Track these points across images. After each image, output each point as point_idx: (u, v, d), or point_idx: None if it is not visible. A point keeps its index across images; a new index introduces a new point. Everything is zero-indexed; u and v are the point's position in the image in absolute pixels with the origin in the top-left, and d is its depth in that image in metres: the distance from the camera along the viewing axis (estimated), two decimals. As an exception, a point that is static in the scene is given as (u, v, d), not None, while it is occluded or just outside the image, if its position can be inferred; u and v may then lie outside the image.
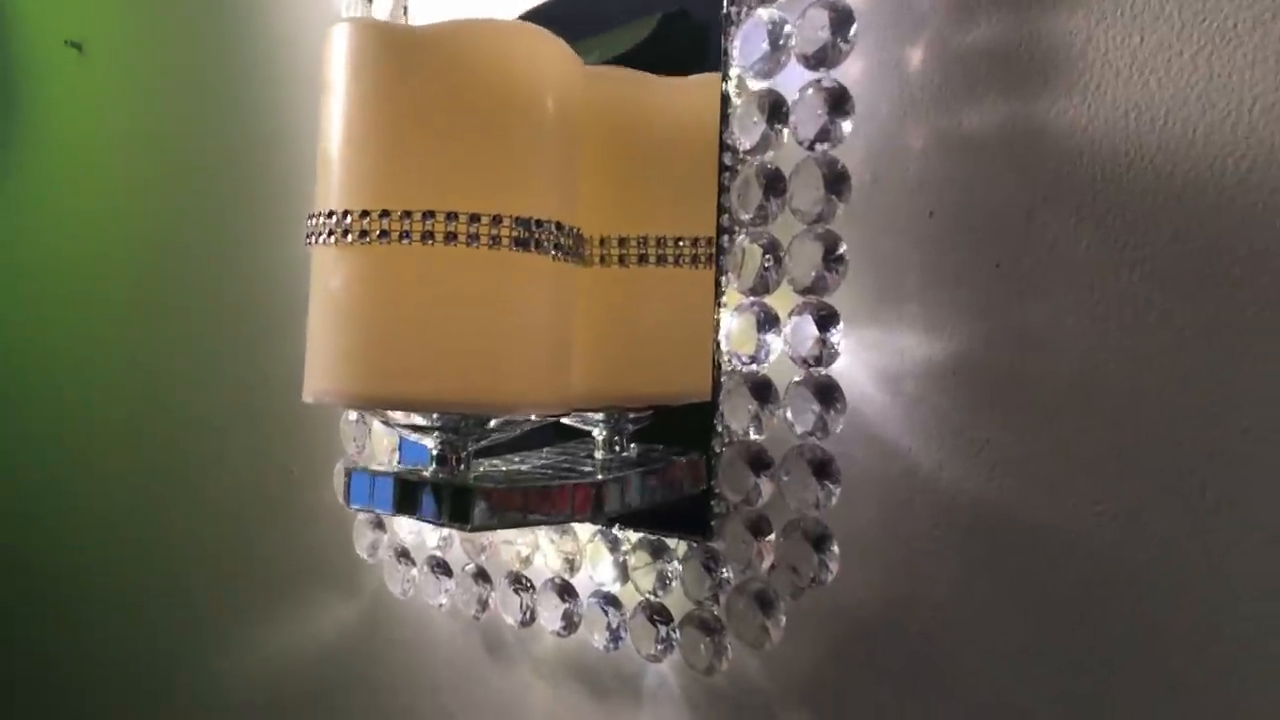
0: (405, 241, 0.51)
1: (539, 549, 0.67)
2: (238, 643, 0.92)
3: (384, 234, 0.52)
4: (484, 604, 0.70)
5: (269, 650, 0.89)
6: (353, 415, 0.78)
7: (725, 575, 0.58)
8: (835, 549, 0.55)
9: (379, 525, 0.76)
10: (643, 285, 0.61)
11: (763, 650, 0.59)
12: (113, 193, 1.04)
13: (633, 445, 0.68)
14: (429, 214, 0.51)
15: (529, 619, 0.67)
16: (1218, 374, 0.47)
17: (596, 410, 0.64)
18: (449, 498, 0.55)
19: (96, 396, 1.06)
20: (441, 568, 0.72)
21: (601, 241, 0.61)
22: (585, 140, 0.57)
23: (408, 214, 0.51)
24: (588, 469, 0.63)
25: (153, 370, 1.00)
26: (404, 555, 0.74)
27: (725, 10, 0.58)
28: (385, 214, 0.51)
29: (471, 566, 0.70)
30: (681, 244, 0.62)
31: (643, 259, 0.61)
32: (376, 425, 0.76)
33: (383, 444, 0.75)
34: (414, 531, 0.74)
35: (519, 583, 0.67)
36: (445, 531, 0.72)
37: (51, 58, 1.06)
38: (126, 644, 1.04)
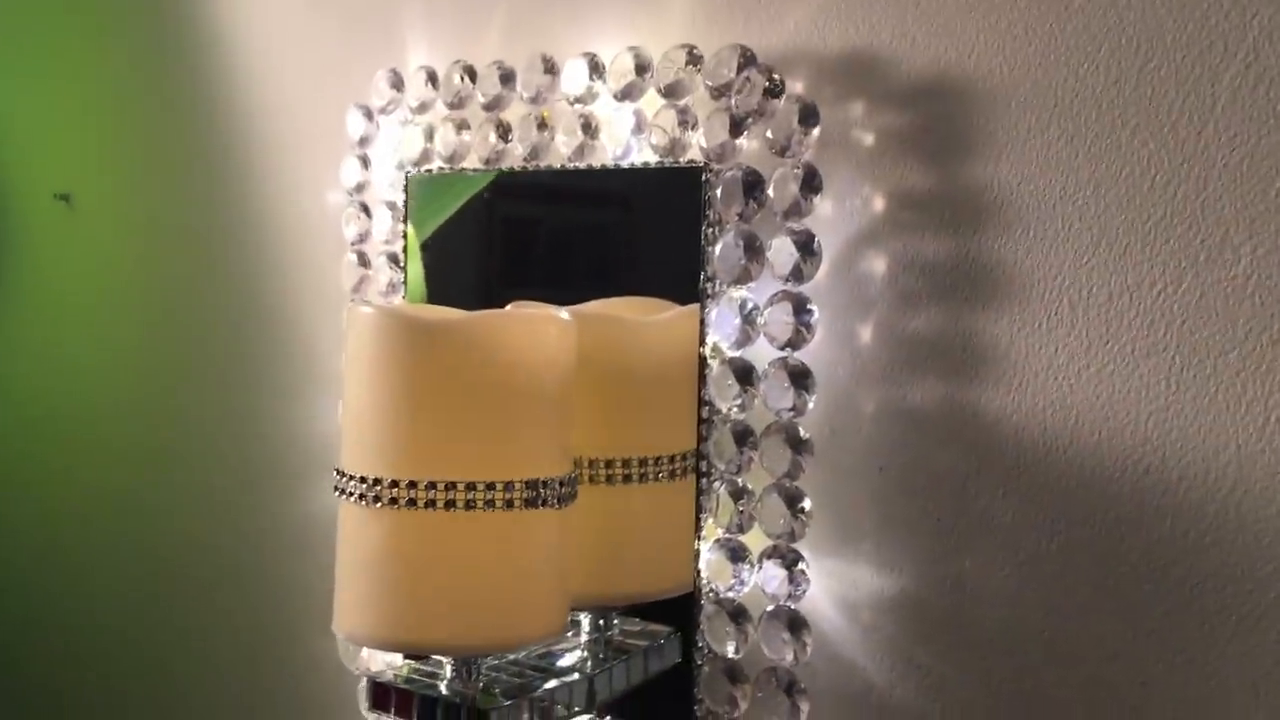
0: (430, 509, 0.59)
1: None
2: None
3: (411, 501, 0.59)
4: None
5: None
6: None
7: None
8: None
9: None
10: (627, 500, 0.69)
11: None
12: (102, 342, 1.10)
13: (615, 622, 0.76)
14: (451, 484, 0.59)
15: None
16: (1119, 637, 0.57)
17: (585, 610, 0.72)
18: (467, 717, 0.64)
19: (95, 543, 1.11)
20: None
21: (590, 464, 0.69)
22: (577, 379, 0.65)
23: (433, 484, 0.59)
24: (575, 658, 0.71)
25: (152, 517, 1.06)
26: None
27: (701, 285, 0.66)
28: (412, 484, 0.59)
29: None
30: (661, 461, 0.70)
31: (627, 478, 0.69)
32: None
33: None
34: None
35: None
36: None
37: (39, 210, 1.11)
38: None
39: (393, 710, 0.67)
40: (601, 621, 0.74)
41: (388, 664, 0.84)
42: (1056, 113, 0.57)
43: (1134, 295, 0.56)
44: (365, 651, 0.85)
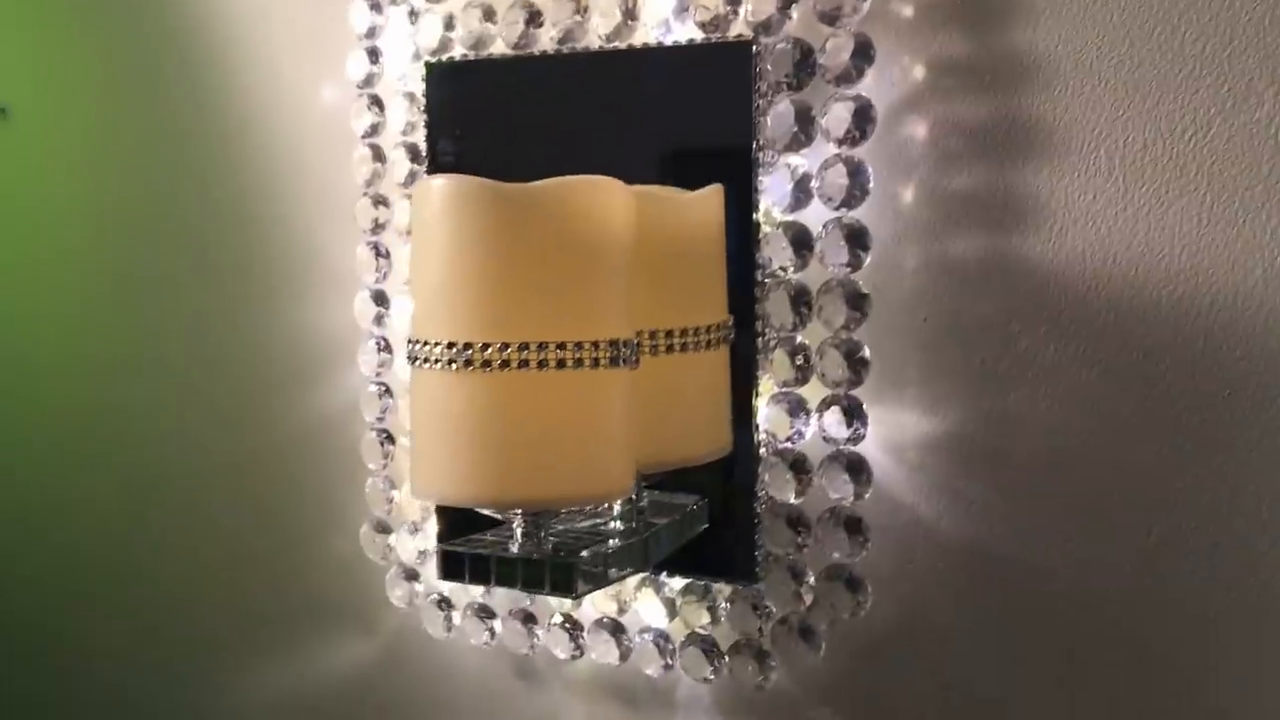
0: (522, 369, 0.61)
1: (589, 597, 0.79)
2: (251, 678, 0.98)
3: (504, 363, 0.61)
4: (533, 645, 0.81)
5: (285, 685, 0.96)
6: (377, 481, 0.86)
7: (770, 611, 0.72)
8: (870, 591, 0.70)
9: (412, 576, 0.85)
10: (669, 369, 0.73)
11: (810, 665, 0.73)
12: (42, 261, 1.06)
13: (645, 494, 0.79)
14: (542, 345, 0.61)
15: (579, 654, 0.79)
16: (1154, 449, 0.64)
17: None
18: (551, 573, 0.66)
19: (79, 465, 1.07)
20: (485, 611, 0.82)
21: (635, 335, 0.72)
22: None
23: (525, 345, 0.61)
24: (617, 524, 0.74)
25: (138, 434, 1.03)
26: (444, 602, 0.84)
27: (754, 154, 0.70)
28: (504, 346, 0.61)
29: (520, 611, 0.81)
30: (699, 332, 0.74)
31: (669, 349, 0.73)
32: (406, 490, 0.84)
33: (414, 506, 0.84)
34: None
35: (570, 624, 0.79)
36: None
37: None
38: (128, 674, 1.08)
39: (467, 576, 0.69)
40: (634, 494, 0.78)
41: (417, 550, 0.86)
42: (1092, -22, 0.63)
43: (1166, 142, 0.63)
44: (393, 538, 0.86)
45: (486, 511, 0.67)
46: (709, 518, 0.77)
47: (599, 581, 0.68)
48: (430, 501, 0.65)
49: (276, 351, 0.94)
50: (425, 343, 0.63)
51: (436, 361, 0.63)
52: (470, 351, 0.61)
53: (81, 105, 1.02)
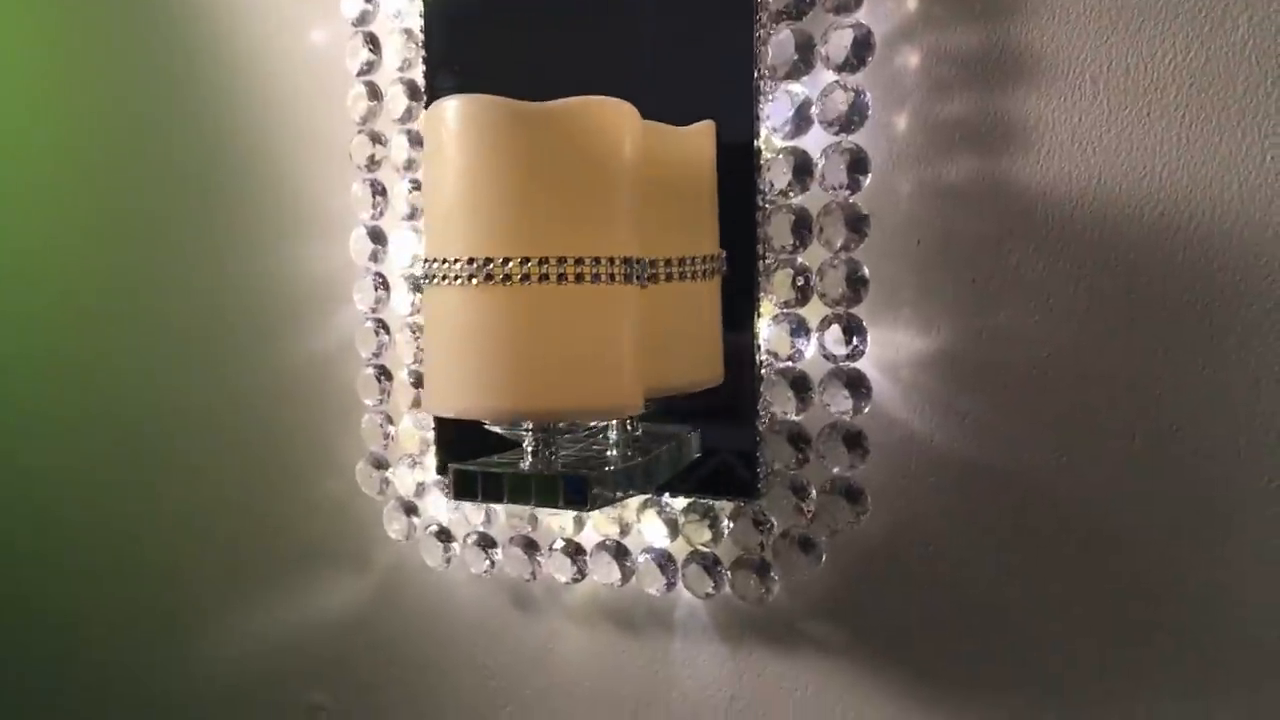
0: (543, 282, 0.63)
1: (588, 519, 0.81)
2: (251, 620, 0.98)
3: (525, 277, 0.63)
4: (535, 572, 0.82)
5: (285, 624, 0.96)
6: (373, 416, 0.87)
7: (772, 526, 0.75)
8: (868, 502, 0.73)
9: (411, 510, 0.86)
10: (664, 297, 0.75)
11: (808, 577, 0.76)
12: (23, 204, 1.04)
13: (639, 425, 0.82)
14: (562, 259, 0.63)
15: (580, 577, 0.81)
16: (1139, 358, 0.68)
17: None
18: (565, 487, 0.68)
19: (59, 412, 1.06)
20: (485, 540, 0.84)
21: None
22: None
23: (545, 259, 0.63)
24: (613, 453, 0.76)
25: (118, 381, 1.03)
26: (443, 533, 0.85)
27: (755, 81, 0.72)
28: (525, 260, 0.63)
29: (520, 538, 0.83)
30: (693, 262, 0.76)
31: (667, 277, 0.75)
32: (405, 424, 0.86)
33: (413, 439, 0.85)
34: (453, 510, 0.85)
35: (572, 548, 0.81)
36: (484, 511, 0.84)
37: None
38: (120, 631, 1.06)
39: (480, 494, 0.70)
40: (628, 425, 0.80)
41: (415, 482, 0.87)
42: (1078, -89, 0.67)
43: (1148, 66, 0.66)
44: (390, 472, 0.88)
45: (496, 429, 0.69)
46: (702, 446, 0.80)
47: (608, 496, 0.70)
48: (448, 415, 0.66)
49: (264, 294, 0.95)
50: (444, 260, 0.65)
51: (457, 278, 0.64)
52: (491, 266, 0.63)
53: (65, 44, 1.01)
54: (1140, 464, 0.69)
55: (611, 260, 0.65)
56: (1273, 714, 0.68)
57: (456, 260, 0.64)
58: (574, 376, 0.66)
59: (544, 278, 0.63)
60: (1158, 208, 0.67)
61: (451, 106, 0.65)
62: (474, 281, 0.63)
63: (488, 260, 0.63)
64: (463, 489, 0.71)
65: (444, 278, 0.65)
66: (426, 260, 0.66)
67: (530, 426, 0.69)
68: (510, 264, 0.63)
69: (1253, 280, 0.66)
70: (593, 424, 0.73)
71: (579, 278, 0.64)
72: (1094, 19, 0.67)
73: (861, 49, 0.69)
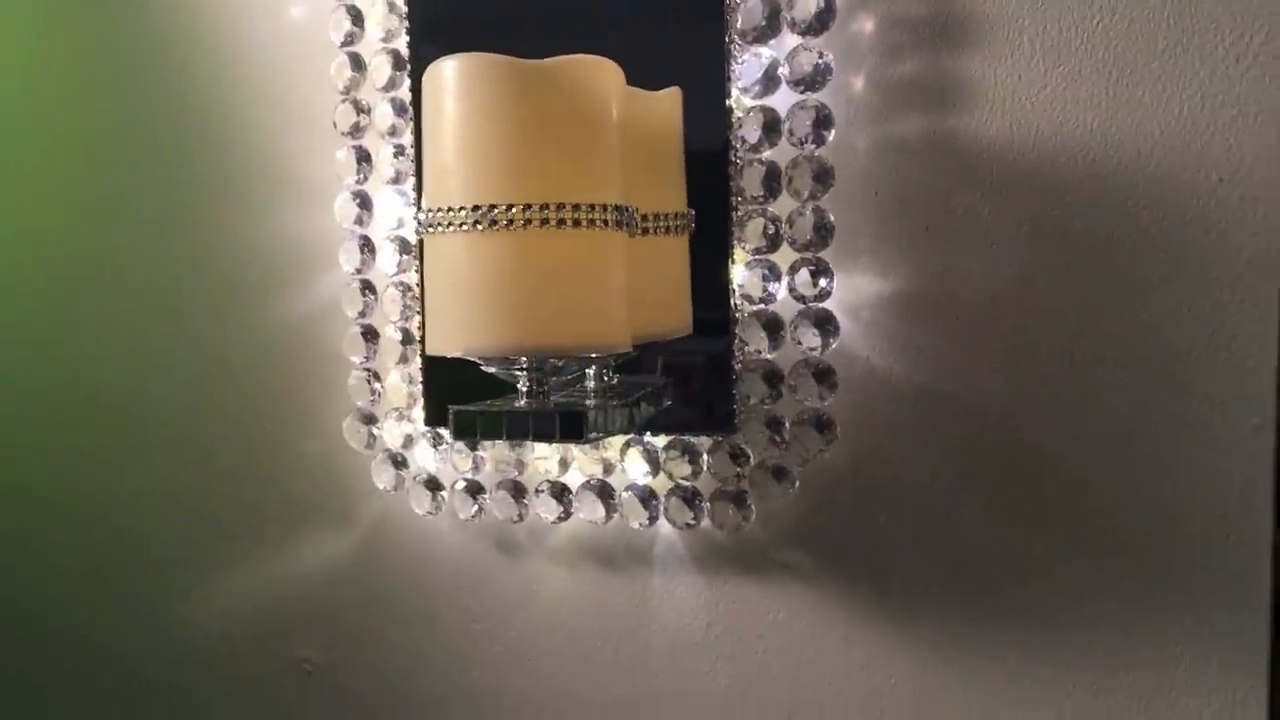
0: (543, 226, 0.68)
1: (572, 461, 0.86)
2: (237, 578, 1.00)
3: (527, 222, 0.68)
4: (522, 514, 0.87)
5: (272, 581, 0.99)
6: (360, 373, 0.91)
7: (748, 457, 0.81)
8: (837, 431, 0.79)
9: (400, 463, 0.90)
10: (641, 251, 0.81)
11: (779, 507, 0.82)
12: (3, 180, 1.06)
13: (615, 375, 0.87)
14: (560, 205, 0.68)
15: (566, 516, 0.86)
16: (1077, 291, 0.76)
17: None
18: (561, 421, 0.73)
19: (39, 387, 1.07)
20: (474, 487, 0.88)
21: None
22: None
23: (545, 205, 0.68)
24: (592, 400, 0.82)
25: (88, 346, 1.04)
26: (431, 482, 0.90)
27: (726, 45, 0.79)
28: (527, 206, 0.68)
29: (508, 483, 0.87)
30: (665, 218, 0.82)
31: (645, 231, 0.81)
32: (392, 379, 0.90)
33: (400, 393, 0.89)
34: (441, 460, 0.89)
35: (557, 489, 0.86)
36: (472, 459, 0.88)
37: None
38: (108, 592, 1.07)
39: (479, 432, 0.75)
40: (604, 374, 0.85)
41: (403, 434, 0.91)
42: (1013, -109, 0.75)
43: (1079, 28, 0.75)
44: (377, 426, 0.91)
45: (492, 369, 0.74)
46: (671, 395, 0.86)
47: (601, 430, 0.75)
48: (453, 353, 0.70)
49: (246, 262, 0.98)
50: (447, 209, 0.69)
51: (462, 225, 0.69)
52: (495, 212, 0.68)
53: (45, 20, 1.03)
54: (1077, 387, 0.77)
55: (605, 207, 0.70)
56: (1212, 612, 0.76)
57: (462, 208, 0.69)
58: (570, 315, 0.71)
59: (545, 222, 0.68)
60: (1089, 155, 0.75)
61: (451, 65, 0.70)
62: (479, 227, 0.68)
63: (492, 207, 0.68)
64: (462, 428, 0.75)
65: (447, 225, 0.69)
66: (428, 210, 0.71)
67: (525, 365, 0.74)
68: (513, 209, 0.68)
69: (1176, 218, 0.74)
70: (574, 370, 0.78)
71: (577, 223, 0.69)
72: (1030, -13, 0.76)
73: (825, 15, 0.76)
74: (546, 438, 0.75)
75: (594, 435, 0.75)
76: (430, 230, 0.71)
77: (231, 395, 1.00)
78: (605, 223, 0.70)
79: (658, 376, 0.87)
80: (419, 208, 0.89)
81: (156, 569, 1.04)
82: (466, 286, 0.70)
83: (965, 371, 0.79)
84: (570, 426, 0.74)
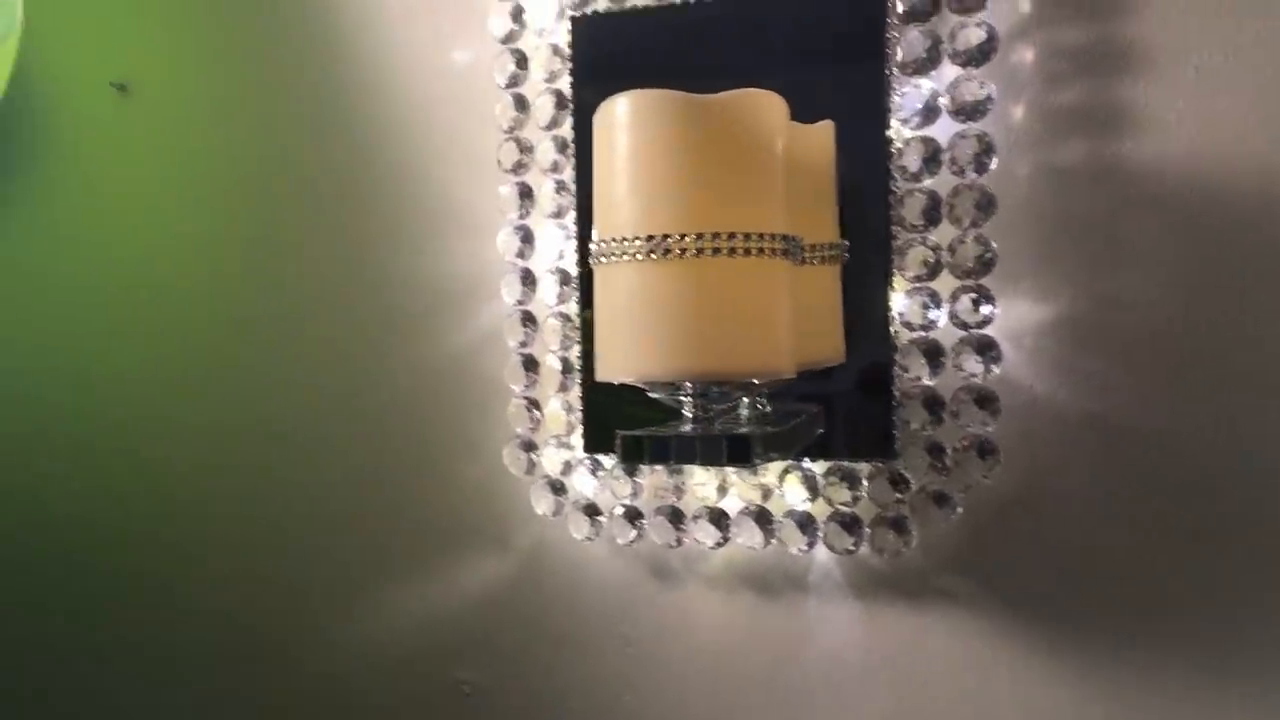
0: (715, 255, 0.70)
1: (730, 487, 0.87)
2: (398, 600, 1.04)
3: (699, 251, 0.70)
4: (680, 539, 0.89)
5: (431, 603, 1.02)
6: (520, 401, 0.94)
7: (908, 483, 0.82)
8: (1000, 457, 0.80)
9: (558, 489, 0.93)
10: (798, 280, 0.82)
11: (940, 533, 0.83)
12: (157, 240, 1.12)
13: (768, 404, 0.88)
14: (732, 235, 0.70)
15: (724, 542, 0.88)
16: (1247, 322, 0.75)
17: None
18: (729, 445, 0.75)
19: (193, 422, 1.13)
20: (631, 513, 0.90)
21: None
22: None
23: (717, 234, 0.70)
24: (753, 425, 0.83)
25: (260, 389, 1.10)
26: (590, 508, 0.92)
27: (885, 77, 0.80)
28: (700, 235, 0.70)
29: (667, 508, 0.89)
30: (820, 248, 0.83)
31: (802, 261, 0.82)
32: (552, 406, 0.93)
33: (560, 421, 0.92)
34: (600, 488, 0.92)
35: (716, 514, 0.87)
36: (631, 485, 0.91)
37: (93, 99, 1.12)
38: (275, 613, 1.12)
39: (647, 457, 0.77)
40: (759, 403, 0.87)
41: (562, 461, 0.94)
42: (1177, -81, 0.75)
43: (1242, 56, 0.75)
44: (536, 453, 0.94)
45: (657, 395, 0.76)
46: (825, 421, 0.87)
47: (766, 455, 0.77)
48: (624, 379, 0.73)
49: (409, 294, 1.02)
50: (620, 239, 0.72)
51: (635, 255, 0.71)
52: (669, 241, 0.71)
53: (208, 77, 1.10)
54: (1248, 412, 0.76)
55: (773, 236, 0.72)
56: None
57: (636, 238, 0.71)
58: (738, 341, 0.73)
59: (715, 251, 0.70)
60: (1257, 178, 0.75)
61: (624, 101, 0.73)
62: (651, 257, 0.71)
63: (664, 237, 0.70)
64: (629, 453, 0.77)
65: (620, 255, 0.72)
66: (600, 241, 0.73)
67: (691, 391, 0.76)
68: (685, 239, 0.70)
69: (1350, 240, 0.73)
70: (734, 397, 0.79)
71: (746, 251, 0.71)
72: (1194, 11, 0.76)
73: (987, 46, 0.77)
74: (714, 462, 0.76)
75: (759, 459, 0.77)
76: (602, 260, 0.74)
77: (397, 422, 1.04)
78: (774, 251, 0.72)
79: (810, 405, 0.89)
80: (580, 240, 0.93)
81: (323, 589, 1.08)
82: (639, 314, 0.73)
83: (1131, 397, 0.79)
84: (737, 451, 0.75)
